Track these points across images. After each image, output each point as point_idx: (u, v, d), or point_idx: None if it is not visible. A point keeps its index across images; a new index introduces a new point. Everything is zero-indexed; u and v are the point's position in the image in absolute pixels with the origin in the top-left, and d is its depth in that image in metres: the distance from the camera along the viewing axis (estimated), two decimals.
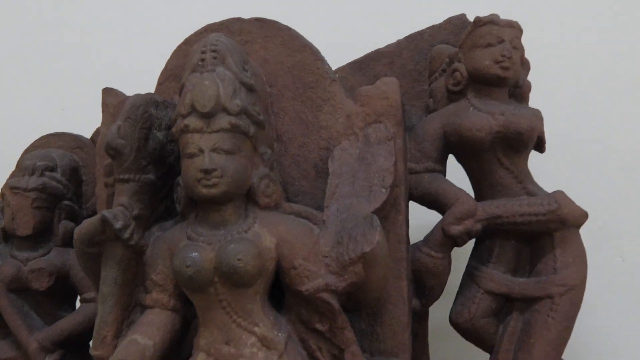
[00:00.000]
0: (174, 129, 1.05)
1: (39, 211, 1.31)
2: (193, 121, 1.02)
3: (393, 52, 1.39)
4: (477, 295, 1.23)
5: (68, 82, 1.93)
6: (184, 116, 1.03)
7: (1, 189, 1.32)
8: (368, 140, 1.16)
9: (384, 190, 1.12)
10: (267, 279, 1.04)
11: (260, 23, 1.23)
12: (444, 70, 1.30)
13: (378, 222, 1.04)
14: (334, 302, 1.03)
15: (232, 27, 1.23)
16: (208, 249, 1.02)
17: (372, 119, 1.17)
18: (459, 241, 1.20)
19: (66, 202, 1.35)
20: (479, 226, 1.19)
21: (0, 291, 1.27)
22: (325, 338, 1.07)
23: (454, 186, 1.23)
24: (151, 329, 1.05)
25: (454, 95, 1.27)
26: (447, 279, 1.25)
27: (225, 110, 1.02)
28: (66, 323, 1.29)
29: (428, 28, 1.40)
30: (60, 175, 1.34)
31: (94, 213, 1.38)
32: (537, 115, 1.22)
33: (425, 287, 1.23)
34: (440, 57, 1.31)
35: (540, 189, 1.23)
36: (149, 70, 1.33)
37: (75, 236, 1.06)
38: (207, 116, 1.01)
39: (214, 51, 1.05)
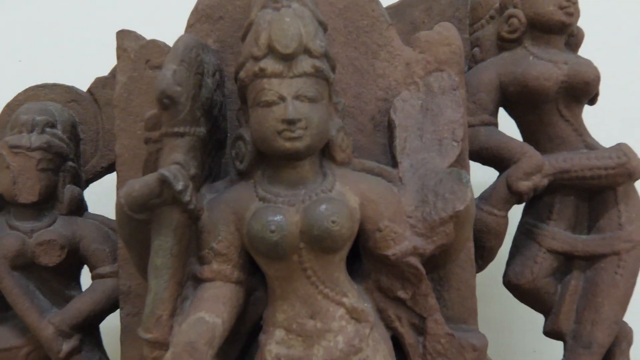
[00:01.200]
0: (241, 74, 0.91)
1: (44, 174, 1.11)
2: (271, 64, 0.88)
3: None
4: (539, 254, 1.17)
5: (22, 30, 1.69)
6: (257, 58, 0.89)
7: None
8: (430, 90, 1.07)
9: (455, 143, 1.04)
10: (351, 243, 0.93)
11: None
12: (492, 17, 1.22)
13: (468, 177, 0.95)
14: (421, 267, 0.94)
15: None
16: (291, 211, 0.89)
17: (433, 67, 1.08)
18: (524, 198, 1.13)
19: (70, 163, 1.16)
20: (545, 181, 1.13)
21: (3, 269, 1.06)
22: (406, 307, 0.98)
23: (518, 140, 1.16)
24: (217, 305, 0.91)
25: (507, 44, 1.19)
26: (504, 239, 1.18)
27: (308, 51, 0.89)
28: (82, 303, 1.11)
29: None
30: (61, 132, 1.15)
31: (96, 176, 1.22)
32: (593, 64, 1.17)
33: (485, 247, 1.15)
34: (486, 3, 1.23)
35: (597, 142, 1.18)
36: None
37: (122, 200, 0.89)
38: (288, 58, 0.88)
39: None
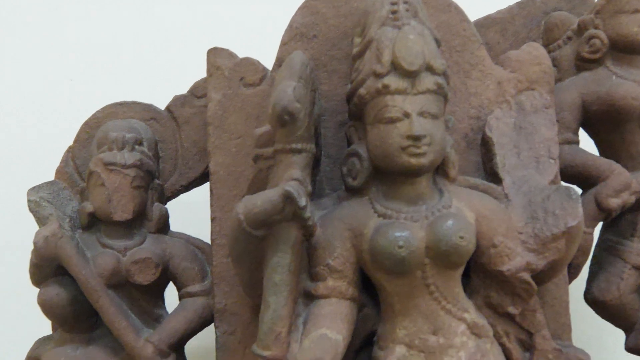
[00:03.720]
0: (361, 91, 0.92)
1: (137, 191, 1.09)
2: (394, 81, 0.89)
3: (505, 19, 1.31)
4: (625, 270, 1.18)
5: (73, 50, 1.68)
6: (380, 75, 0.90)
7: (91, 167, 1.10)
8: (522, 108, 1.09)
9: (552, 161, 1.06)
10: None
11: None
12: (569, 38, 1.24)
13: (578, 193, 0.97)
14: (533, 283, 0.95)
15: None
16: (416, 227, 0.90)
17: (524, 86, 1.10)
18: (612, 215, 1.15)
19: (157, 181, 1.15)
20: (633, 199, 1.15)
21: (100, 288, 1.04)
22: (514, 323, 0.99)
23: (604, 158, 1.18)
24: (336, 322, 0.91)
25: (587, 64, 1.21)
26: None
27: (430, 69, 0.90)
28: (177, 322, 1.09)
29: None
30: (147, 150, 1.14)
31: (174, 194, 1.21)
32: None
33: (572, 264, 1.16)
34: (562, 24, 1.25)
35: None
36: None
37: (241, 216, 0.89)
38: (413, 75, 0.89)
39: (405, 2, 0.92)
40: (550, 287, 1.07)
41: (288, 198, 0.87)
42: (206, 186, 1.23)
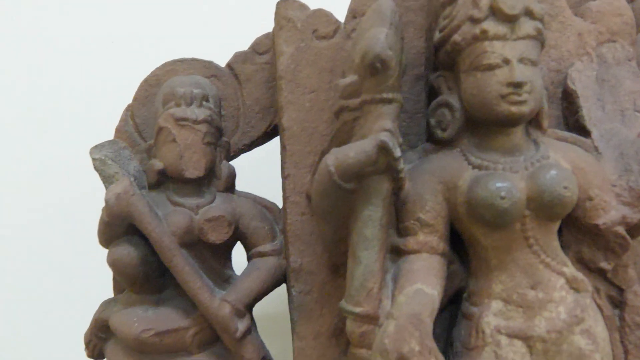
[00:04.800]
0: (456, 37, 0.88)
1: (208, 148, 1.05)
2: (493, 26, 0.85)
3: None
4: None
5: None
6: (477, 20, 0.86)
7: (160, 122, 1.06)
8: (604, 61, 1.06)
9: (638, 114, 1.04)
10: None
11: None
12: None
13: None
14: (628, 237, 0.92)
15: None
16: (516, 178, 0.86)
17: (605, 37, 1.07)
18: None
19: (225, 139, 1.12)
20: None
21: (174, 246, 1.01)
22: (605, 279, 0.96)
23: None
24: (429, 277, 0.88)
25: None
26: None
27: (530, 13, 0.86)
28: (252, 282, 1.05)
29: None
30: (213, 106, 1.10)
31: (236, 154, 1.18)
32: None
33: None
34: None
35: None
36: None
37: (332, 168, 0.86)
38: (512, 20, 0.85)
39: None
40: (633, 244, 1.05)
41: (383, 149, 0.84)
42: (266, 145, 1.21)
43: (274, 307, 1.27)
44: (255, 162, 1.27)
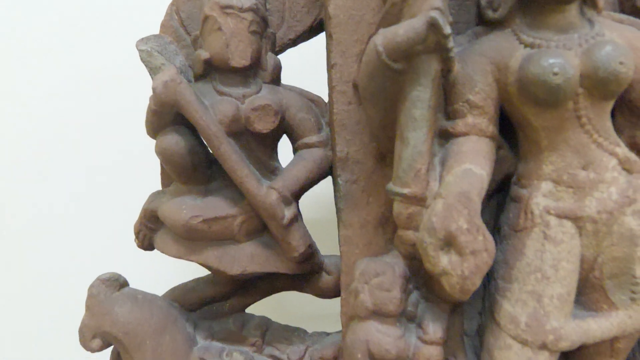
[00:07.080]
0: None
1: (254, 37, 1.04)
2: None
3: None
4: None
5: None
6: None
7: (206, 11, 1.05)
8: None
9: None
10: None
11: None
12: None
13: None
14: None
15: None
16: (570, 54, 0.84)
17: None
18: None
19: (271, 30, 1.10)
20: None
21: (221, 134, 1.02)
22: None
23: None
24: (479, 157, 0.87)
25: None
26: None
27: None
28: (298, 171, 1.06)
29: None
30: None
31: (282, 48, 1.16)
32: None
33: None
34: None
35: None
36: None
37: (380, 48, 0.84)
38: None
39: None
40: None
41: (433, 25, 0.82)
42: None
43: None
44: (300, 58, 1.26)
